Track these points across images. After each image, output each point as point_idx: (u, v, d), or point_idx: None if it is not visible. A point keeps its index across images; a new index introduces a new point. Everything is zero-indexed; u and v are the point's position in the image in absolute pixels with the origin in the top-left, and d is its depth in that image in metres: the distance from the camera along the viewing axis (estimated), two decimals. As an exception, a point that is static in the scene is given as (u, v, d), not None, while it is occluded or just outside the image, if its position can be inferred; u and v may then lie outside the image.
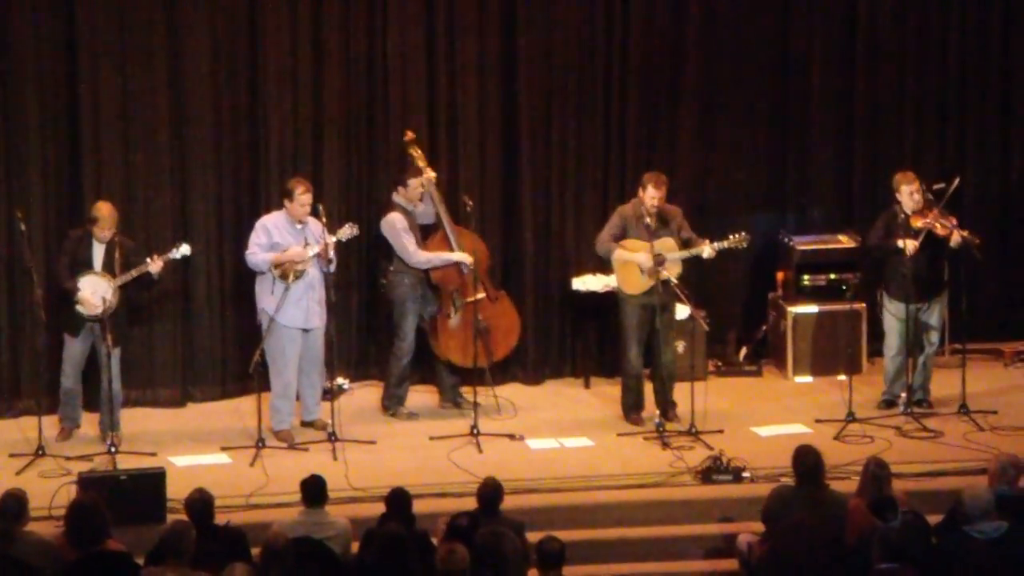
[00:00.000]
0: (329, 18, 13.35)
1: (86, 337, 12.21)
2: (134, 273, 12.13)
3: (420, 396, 13.32)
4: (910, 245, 12.59)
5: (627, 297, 12.62)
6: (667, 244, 12.53)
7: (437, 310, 12.96)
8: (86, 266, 12.13)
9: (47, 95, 12.93)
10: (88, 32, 12.91)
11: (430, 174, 12.89)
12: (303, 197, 12.32)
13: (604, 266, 13.23)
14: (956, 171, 13.65)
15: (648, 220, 12.47)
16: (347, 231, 12.45)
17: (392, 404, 13.04)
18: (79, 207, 12.67)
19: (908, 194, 12.77)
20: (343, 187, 13.51)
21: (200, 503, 9.60)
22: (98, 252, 12.16)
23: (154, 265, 12.16)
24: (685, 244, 12.56)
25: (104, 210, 12.16)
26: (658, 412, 12.56)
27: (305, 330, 12.41)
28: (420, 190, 12.84)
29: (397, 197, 12.88)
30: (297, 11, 13.28)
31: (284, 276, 12.26)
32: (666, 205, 12.61)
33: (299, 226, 12.38)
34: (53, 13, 12.87)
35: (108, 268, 12.12)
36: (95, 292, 12.05)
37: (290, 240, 12.35)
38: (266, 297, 12.35)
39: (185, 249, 12.29)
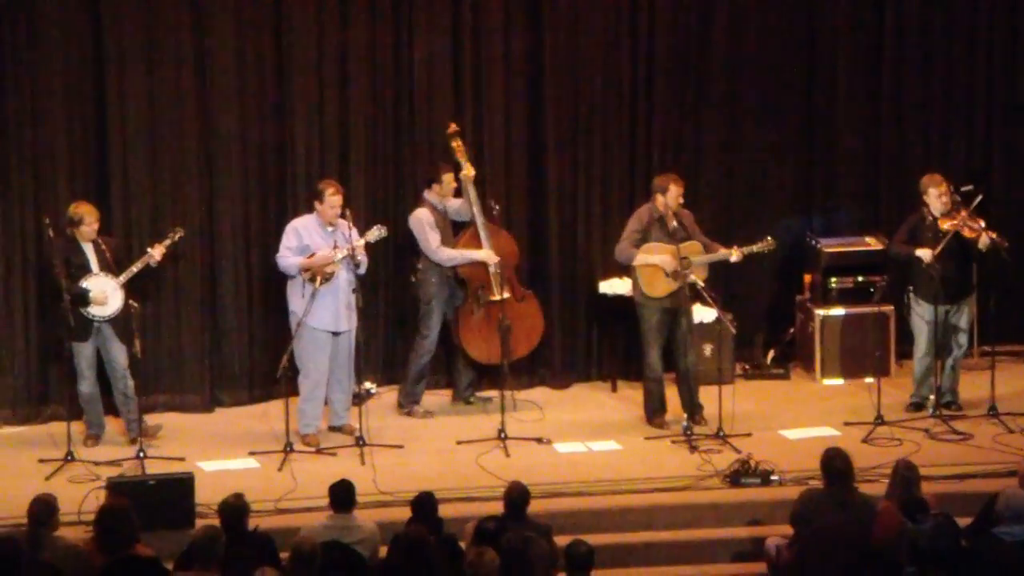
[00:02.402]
0: (355, 21, 13.36)
1: (94, 340, 12.24)
2: (137, 266, 12.20)
3: (436, 399, 13.34)
4: (927, 254, 12.56)
5: (648, 301, 12.60)
6: (693, 247, 12.53)
7: (462, 303, 13.01)
8: (84, 270, 12.16)
9: (74, 101, 12.97)
10: (115, 39, 12.95)
11: (469, 171, 12.91)
12: (333, 199, 12.36)
13: (627, 272, 13.24)
14: (984, 173, 13.65)
15: (674, 223, 12.47)
16: (375, 232, 12.47)
17: (407, 402, 13.09)
18: (107, 213, 12.69)
19: (936, 196, 12.74)
20: (370, 190, 13.53)
21: (235, 508, 9.61)
22: (90, 254, 12.20)
23: (156, 252, 12.23)
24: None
25: (84, 208, 12.21)
26: (685, 415, 12.54)
27: (335, 333, 12.44)
28: (454, 185, 12.87)
29: (429, 194, 12.92)
30: (323, 15, 13.30)
31: (312, 279, 12.29)
32: (681, 209, 12.62)
33: (330, 228, 12.40)
34: (80, 20, 12.91)
35: (105, 268, 12.16)
36: (105, 292, 12.10)
37: (320, 243, 12.38)
38: (296, 299, 12.39)
39: (180, 232, 12.40)
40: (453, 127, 13.04)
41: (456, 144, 12.97)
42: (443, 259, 12.85)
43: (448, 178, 12.88)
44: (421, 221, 12.84)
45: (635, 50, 13.82)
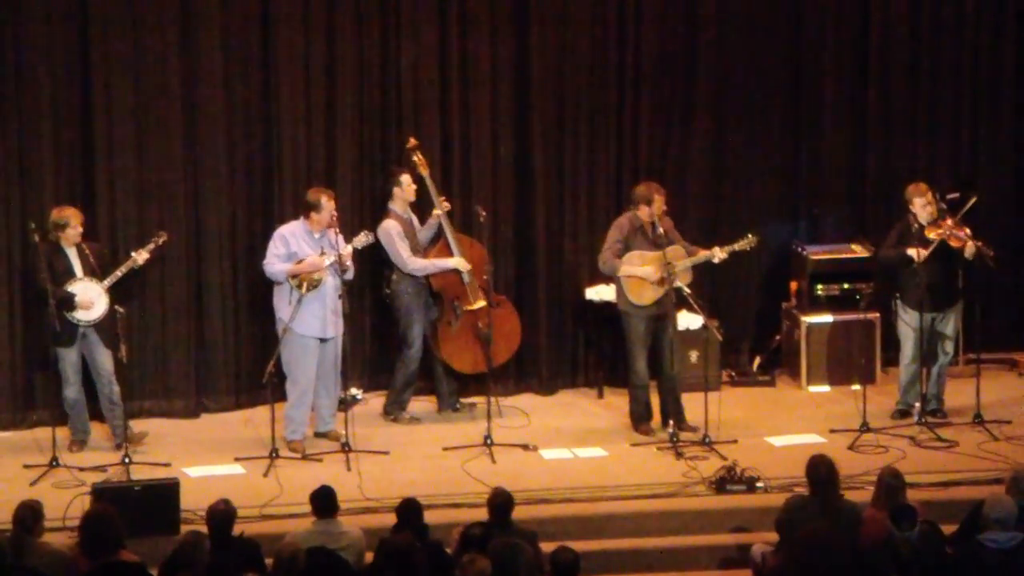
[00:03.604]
0: (342, 27, 13.36)
1: (79, 345, 12.22)
2: (122, 271, 12.19)
3: (422, 405, 13.35)
4: (921, 252, 12.59)
5: (634, 309, 12.61)
6: (677, 252, 12.56)
7: (438, 316, 13.01)
8: (68, 274, 12.14)
9: (61, 105, 12.95)
10: (101, 44, 12.93)
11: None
12: (329, 204, 12.37)
13: (612, 280, 13.24)
14: (970, 182, 13.68)
15: (659, 230, 12.50)
16: (363, 239, 12.49)
17: (394, 409, 13.10)
18: (92, 218, 12.66)
19: (921, 206, 12.76)
20: (356, 198, 13.52)
21: (223, 514, 9.60)
22: (74, 258, 12.18)
23: (140, 257, 12.23)
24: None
25: (69, 211, 12.21)
26: (671, 422, 12.53)
27: (322, 340, 12.43)
28: (414, 186, 12.88)
29: (393, 204, 12.93)
30: (310, 21, 13.29)
31: (299, 285, 12.28)
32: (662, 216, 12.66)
33: (317, 235, 12.40)
34: (67, 26, 12.89)
35: (89, 273, 12.15)
36: (90, 296, 12.09)
37: (308, 250, 12.37)
38: (283, 306, 12.38)
39: (164, 236, 12.40)
40: (413, 141, 13.06)
41: (417, 158, 12.98)
42: (415, 269, 12.85)
43: (407, 179, 12.89)
44: (389, 232, 12.84)
45: (622, 56, 13.83)
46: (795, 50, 14.21)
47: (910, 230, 12.80)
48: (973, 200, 12.76)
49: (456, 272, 12.94)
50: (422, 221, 13.12)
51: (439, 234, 13.04)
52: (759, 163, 14.23)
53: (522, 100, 13.74)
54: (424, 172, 12.97)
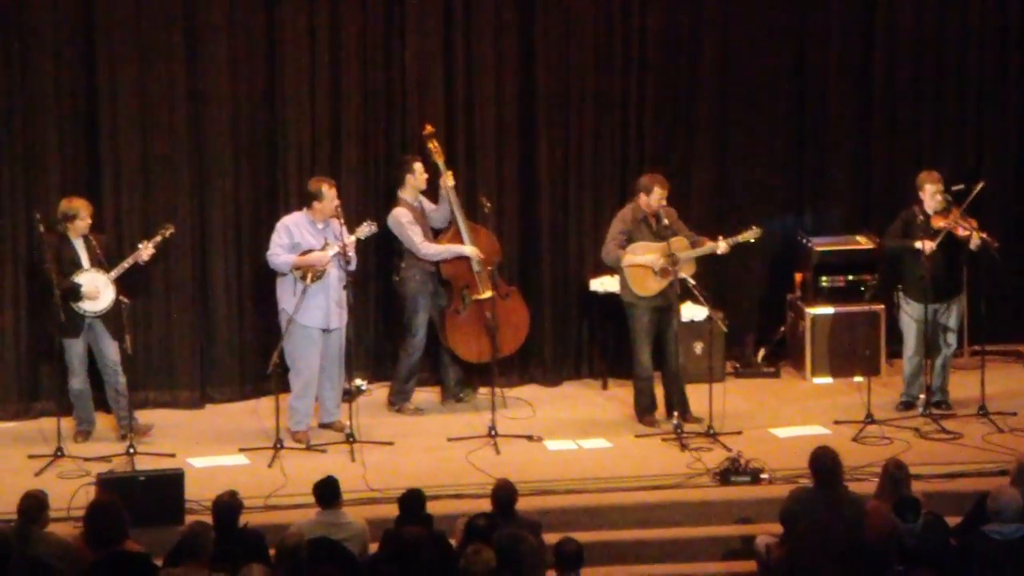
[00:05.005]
0: (347, 18, 13.36)
1: (85, 336, 12.23)
2: (128, 263, 12.19)
3: (426, 396, 13.36)
4: (928, 245, 12.59)
5: (638, 301, 12.60)
6: (680, 243, 12.55)
7: (447, 304, 13.01)
8: (75, 265, 12.15)
9: (65, 96, 12.95)
10: (107, 34, 12.94)
11: (449, 179, 12.92)
12: (331, 193, 12.37)
13: (615, 273, 13.24)
14: (975, 173, 13.67)
15: (664, 221, 12.49)
16: (366, 229, 12.48)
17: (398, 400, 13.11)
18: (97, 209, 12.65)
19: (931, 194, 12.76)
20: (361, 188, 13.52)
21: (228, 506, 9.61)
22: (81, 249, 12.19)
23: (146, 251, 12.23)
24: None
25: (78, 202, 12.21)
26: (675, 413, 12.53)
27: (326, 331, 12.43)
28: (426, 175, 12.87)
29: (403, 192, 12.93)
30: (315, 13, 13.29)
31: (303, 277, 12.29)
32: (664, 207, 12.64)
33: (320, 225, 12.41)
34: (72, 15, 12.88)
35: (95, 264, 12.16)
36: (97, 287, 12.10)
37: (311, 241, 12.38)
38: (287, 297, 12.38)
39: (171, 228, 12.39)
40: (429, 128, 13.06)
41: (432, 145, 12.98)
42: (429, 254, 12.85)
43: (419, 167, 12.89)
44: (400, 220, 12.84)
45: (627, 47, 13.82)
46: (800, 41, 14.20)
47: (915, 220, 12.79)
48: (981, 185, 12.77)
49: (466, 260, 12.94)
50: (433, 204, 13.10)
51: (451, 222, 13.00)
52: (764, 154, 14.22)
53: (526, 93, 13.72)
54: (439, 160, 12.96)
